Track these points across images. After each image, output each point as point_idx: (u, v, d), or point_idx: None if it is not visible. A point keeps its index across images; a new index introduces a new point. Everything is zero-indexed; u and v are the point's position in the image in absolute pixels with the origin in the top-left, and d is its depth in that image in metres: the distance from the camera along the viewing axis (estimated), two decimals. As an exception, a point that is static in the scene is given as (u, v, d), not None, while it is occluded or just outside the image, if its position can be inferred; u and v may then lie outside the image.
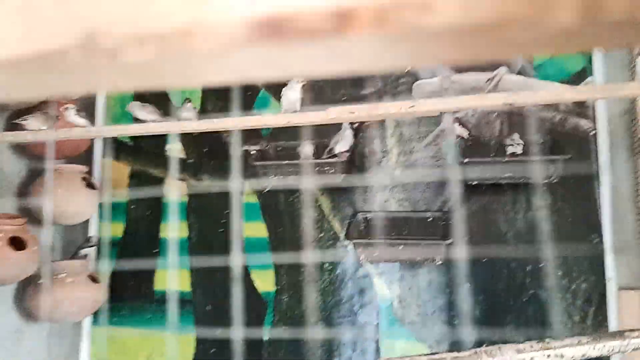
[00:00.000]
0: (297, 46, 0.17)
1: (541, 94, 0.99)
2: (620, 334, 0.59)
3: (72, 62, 0.18)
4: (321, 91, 1.54)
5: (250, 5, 0.17)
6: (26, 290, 1.46)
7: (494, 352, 0.54)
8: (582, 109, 1.37)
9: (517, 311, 1.37)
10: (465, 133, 1.35)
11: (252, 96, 1.60)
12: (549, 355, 0.54)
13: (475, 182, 1.36)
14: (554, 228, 1.36)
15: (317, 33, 0.17)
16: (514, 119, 1.39)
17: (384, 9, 0.17)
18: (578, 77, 1.38)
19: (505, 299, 1.39)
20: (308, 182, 1.49)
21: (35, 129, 1.24)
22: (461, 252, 1.40)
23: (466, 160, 1.36)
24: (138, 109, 1.41)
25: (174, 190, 1.64)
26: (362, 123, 1.48)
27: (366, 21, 0.17)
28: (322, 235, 1.52)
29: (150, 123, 1.24)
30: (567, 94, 0.97)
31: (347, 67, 0.20)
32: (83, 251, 1.57)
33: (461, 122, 1.38)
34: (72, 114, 1.31)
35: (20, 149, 1.50)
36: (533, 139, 1.35)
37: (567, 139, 1.36)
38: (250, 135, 1.57)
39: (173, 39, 0.17)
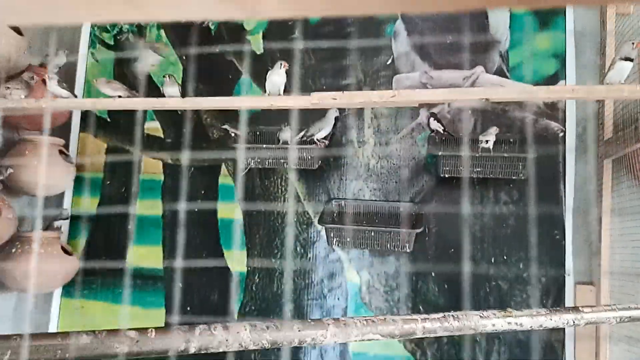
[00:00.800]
0: None
1: (516, 90, 1.05)
2: (575, 309, 0.64)
3: None
4: (302, 80, 1.58)
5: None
6: (-2, 259, 1.46)
7: (460, 317, 0.59)
8: (553, 111, 1.44)
9: (479, 301, 1.44)
10: (440, 128, 1.41)
11: (232, 80, 1.63)
12: (509, 323, 0.59)
13: (446, 175, 1.42)
14: (519, 223, 1.43)
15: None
16: (488, 116, 1.45)
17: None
18: (550, 81, 1.45)
19: (469, 289, 1.45)
20: (285, 166, 1.53)
21: (17, 98, 1.25)
22: (429, 241, 1.46)
23: (439, 153, 1.42)
24: (103, 85, 1.38)
25: (150, 169, 1.66)
26: (341, 112, 1.53)
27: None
28: (295, 219, 1.56)
29: (135, 98, 1.26)
30: (540, 92, 1.03)
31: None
32: (56, 223, 1.57)
33: (436, 117, 1.43)
34: (53, 84, 1.31)
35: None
36: (504, 137, 1.41)
37: (537, 139, 1.43)
38: (230, 118, 1.60)
39: None
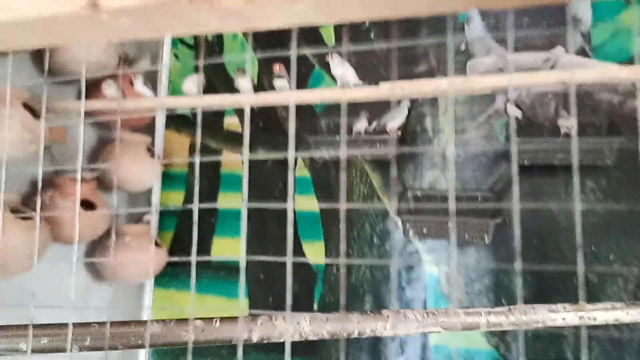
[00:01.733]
0: None
1: (596, 72, 0.99)
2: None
3: (181, 8, 0.22)
4: (374, 69, 1.57)
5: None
6: (94, 251, 1.57)
7: (527, 311, 0.57)
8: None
9: (566, 294, 1.38)
10: (518, 113, 1.35)
11: (306, 73, 1.65)
12: (581, 317, 0.57)
13: (527, 163, 1.37)
14: (608, 212, 1.35)
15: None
16: (570, 100, 1.38)
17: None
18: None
19: (555, 282, 1.39)
20: (360, 157, 1.53)
21: (110, 97, 1.33)
22: (510, 232, 1.41)
23: (519, 140, 1.37)
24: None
25: (231, 164, 1.72)
26: (414, 101, 1.51)
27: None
28: (371, 211, 1.56)
29: (207, 96, 1.31)
30: (622, 72, 0.96)
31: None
32: (146, 217, 1.67)
33: (515, 103, 1.38)
34: (139, 85, 1.39)
35: (91, 119, 1.61)
36: (589, 120, 1.33)
37: (625, 122, 1.34)
38: (303, 112, 1.62)
39: None
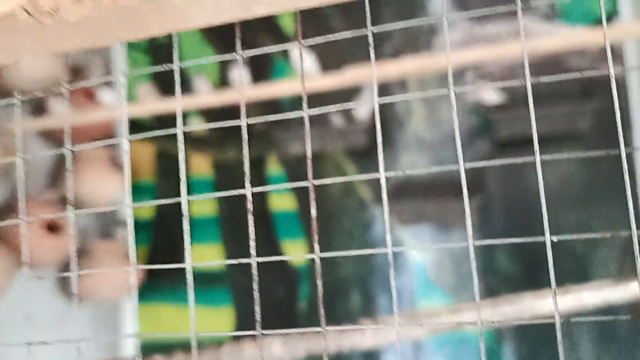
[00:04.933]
0: None
1: (562, 38, 0.99)
2: None
3: (21, 24, 0.21)
4: (337, 54, 1.56)
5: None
6: (66, 273, 1.55)
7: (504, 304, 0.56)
8: (613, 55, 1.35)
9: (556, 269, 1.39)
10: (490, 88, 1.36)
11: (267, 66, 1.64)
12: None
13: (502, 137, 1.37)
14: (589, 180, 1.37)
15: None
16: (541, 68, 1.39)
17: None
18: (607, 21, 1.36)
19: (541, 256, 1.40)
20: (332, 148, 1.52)
21: (59, 112, 1.31)
22: (493, 210, 1.42)
23: (492, 115, 1.37)
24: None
25: (199, 166, 1.70)
26: (382, 83, 1.50)
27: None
28: (349, 200, 1.56)
29: (165, 100, 1.29)
30: (589, 36, 0.97)
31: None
32: (116, 232, 1.65)
33: (485, 78, 1.38)
34: (102, 93, 1.36)
35: (46, 135, 1.58)
36: (559, 88, 1.35)
37: (598, 86, 1.35)
38: (270, 106, 1.60)
39: None
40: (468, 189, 1.40)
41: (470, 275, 1.44)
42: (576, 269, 1.38)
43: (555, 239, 0.43)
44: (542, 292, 0.56)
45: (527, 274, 1.41)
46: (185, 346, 1.64)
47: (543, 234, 1.30)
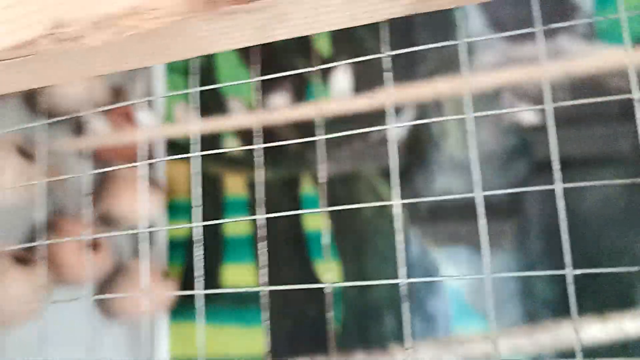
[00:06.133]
0: (232, 13, 0.20)
1: (600, 59, 0.98)
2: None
3: (44, 52, 0.22)
4: (372, 75, 1.58)
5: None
6: (104, 291, 1.59)
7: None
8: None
9: (595, 297, 1.36)
10: (526, 109, 1.35)
11: (301, 87, 1.66)
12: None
13: (541, 159, 1.36)
14: (633, 205, 1.34)
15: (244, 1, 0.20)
16: (581, 90, 1.37)
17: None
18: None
19: (583, 284, 1.37)
20: (366, 168, 1.53)
21: (100, 132, 1.35)
22: (532, 234, 1.40)
23: (530, 137, 1.36)
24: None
25: (234, 186, 1.73)
26: (417, 104, 1.51)
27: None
28: (383, 221, 1.56)
29: (200, 121, 1.32)
30: (628, 57, 0.96)
31: (286, 31, 0.23)
32: (153, 250, 1.69)
33: (522, 98, 1.37)
34: (141, 114, 1.41)
35: (87, 154, 1.63)
36: (599, 109, 1.33)
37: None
38: (304, 128, 1.63)
39: (124, 18, 0.21)
40: (505, 211, 1.38)
41: (506, 300, 1.42)
42: (619, 295, 1.35)
43: (578, 272, 0.43)
44: (581, 319, 0.55)
45: (564, 300, 1.38)
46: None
47: (582, 257, 1.28)
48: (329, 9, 0.23)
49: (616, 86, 1.35)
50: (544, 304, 1.40)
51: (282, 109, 1.15)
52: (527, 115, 1.39)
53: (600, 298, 1.36)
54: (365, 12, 0.25)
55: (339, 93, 1.14)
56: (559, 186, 0.40)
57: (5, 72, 0.24)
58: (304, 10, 0.21)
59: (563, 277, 1.22)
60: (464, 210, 1.47)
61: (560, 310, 1.37)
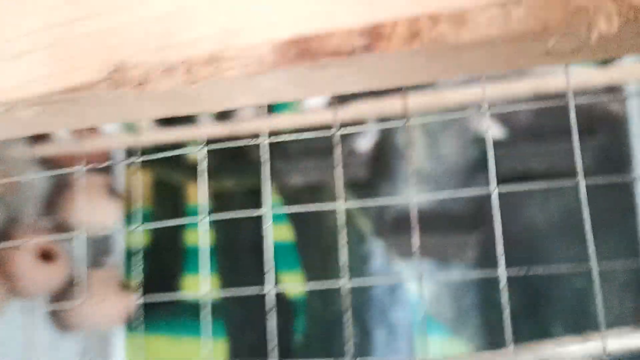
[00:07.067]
0: (327, 66, 0.18)
1: (570, 77, 1.01)
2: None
3: (100, 95, 0.20)
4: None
5: (277, 28, 0.18)
6: (58, 303, 1.54)
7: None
8: (614, 93, 1.38)
9: (556, 306, 1.39)
10: (492, 123, 1.38)
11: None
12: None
13: (504, 172, 1.39)
14: (590, 217, 1.38)
15: (346, 52, 0.18)
16: (547, 107, 1.41)
17: (417, 25, 0.18)
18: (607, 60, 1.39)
19: (545, 292, 1.40)
20: (333, 180, 1.54)
21: (61, 139, 1.32)
22: (494, 245, 1.43)
23: (493, 151, 1.39)
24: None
25: (195, 196, 1.71)
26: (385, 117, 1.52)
27: (399, 38, 0.18)
28: (349, 232, 1.57)
29: (169, 130, 1.31)
30: (598, 76, 0.99)
31: (377, 83, 0.22)
32: (110, 260, 1.65)
33: (488, 114, 1.40)
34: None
35: (44, 160, 1.58)
36: (562, 125, 1.37)
37: (602, 122, 1.37)
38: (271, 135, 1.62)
39: (200, 65, 0.19)
40: (468, 222, 1.41)
41: (469, 309, 1.45)
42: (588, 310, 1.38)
43: (512, 273, 0.44)
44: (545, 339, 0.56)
45: (526, 310, 1.42)
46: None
47: (542, 265, 1.30)
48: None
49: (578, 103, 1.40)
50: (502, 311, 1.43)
51: (250, 120, 1.14)
52: (491, 129, 1.42)
53: (566, 305, 1.39)
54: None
55: (310, 105, 1.15)
56: (494, 191, 0.42)
57: (48, 113, 0.22)
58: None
59: (525, 285, 1.25)
60: (429, 222, 1.49)
61: (523, 316, 1.40)
